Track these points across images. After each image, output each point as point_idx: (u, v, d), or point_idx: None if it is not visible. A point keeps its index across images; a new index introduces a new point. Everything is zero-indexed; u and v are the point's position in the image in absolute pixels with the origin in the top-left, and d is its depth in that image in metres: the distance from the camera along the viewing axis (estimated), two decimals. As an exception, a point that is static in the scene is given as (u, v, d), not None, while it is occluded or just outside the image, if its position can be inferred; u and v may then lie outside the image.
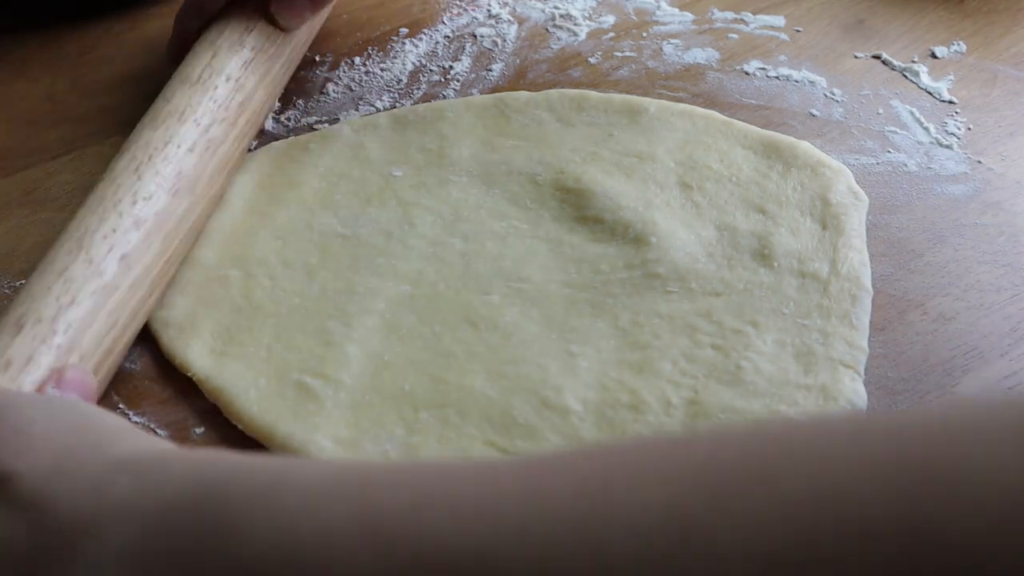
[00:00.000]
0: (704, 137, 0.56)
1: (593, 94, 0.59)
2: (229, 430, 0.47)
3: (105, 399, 0.48)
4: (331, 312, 0.49)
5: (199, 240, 0.52)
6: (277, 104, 0.62)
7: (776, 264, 0.50)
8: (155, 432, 0.47)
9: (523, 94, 0.59)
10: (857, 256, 0.51)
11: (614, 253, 0.51)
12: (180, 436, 0.47)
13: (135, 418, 0.47)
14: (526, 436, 0.44)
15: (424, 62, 0.65)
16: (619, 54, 0.65)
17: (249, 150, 0.58)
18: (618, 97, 0.59)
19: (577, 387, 0.46)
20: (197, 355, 0.48)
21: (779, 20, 0.66)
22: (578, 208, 0.53)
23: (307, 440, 0.44)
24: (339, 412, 0.45)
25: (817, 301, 0.49)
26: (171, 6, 0.69)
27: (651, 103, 0.58)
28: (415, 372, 0.47)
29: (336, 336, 0.48)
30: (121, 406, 0.48)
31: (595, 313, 0.49)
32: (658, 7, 0.68)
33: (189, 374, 0.48)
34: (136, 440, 0.35)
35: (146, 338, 0.50)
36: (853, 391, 0.46)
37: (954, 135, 0.58)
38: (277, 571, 0.26)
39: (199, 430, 0.47)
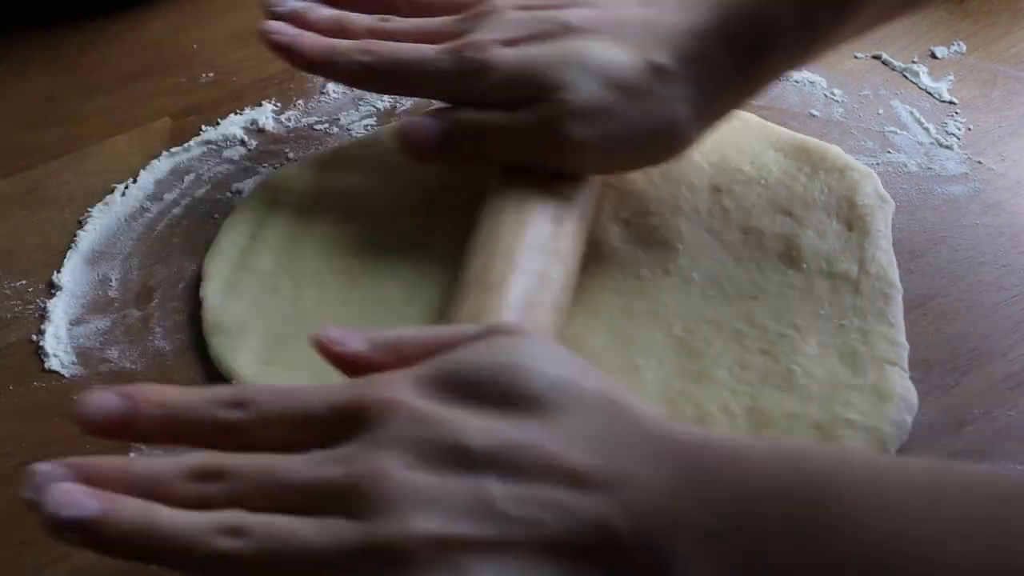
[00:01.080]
0: (739, 138, 0.56)
1: None
2: (230, 430, 0.47)
3: (106, 399, 0.48)
4: (372, 322, 0.48)
5: (258, 248, 0.52)
6: (277, 104, 0.62)
7: (805, 266, 0.51)
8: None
9: None
10: (884, 256, 0.51)
11: (646, 257, 0.51)
12: (181, 436, 0.47)
13: (136, 418, 0.47)
14: None
15: (424, 62, 0.65)
16: (619, 54, 0.64)
17: (286, 159, 0.58)
18: None
19: (646, 401, 0.45)
20: (244, 363, 0.48)
21: (779, 20, 0.66)
22: (614, 208, 0.53)
23: None
24: None
25: (851, 301, 0.49)
26: (171, 6, 0.69)
27: None
28: None
29: None
30: (122, 406, 0.48)
31: (653, 324, 0.49)
32: (658, 7, 0.68)
33: (233, 380, 0.47)
34: (656, 418, 0.35)
35: (147, 342, 0.50)
36: (904, 388, 0.46)
37: (954, 135, 0.58)
38: None
39: (200, 430, 0.47)
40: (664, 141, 0.49)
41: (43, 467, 0.34)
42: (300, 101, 0.62)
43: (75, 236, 0.55)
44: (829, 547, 0.29)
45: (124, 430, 0.36)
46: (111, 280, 0.53)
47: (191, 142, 0.60)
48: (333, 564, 0.32)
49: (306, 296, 0.50)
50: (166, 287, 0.53)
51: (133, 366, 0.49)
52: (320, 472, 0.34)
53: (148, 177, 0.58)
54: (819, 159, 0.55)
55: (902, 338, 0.48)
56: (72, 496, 0.33)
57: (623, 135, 0.48)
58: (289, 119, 0.61)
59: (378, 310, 0.49)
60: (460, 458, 0.33)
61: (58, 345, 0.50)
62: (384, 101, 0.62)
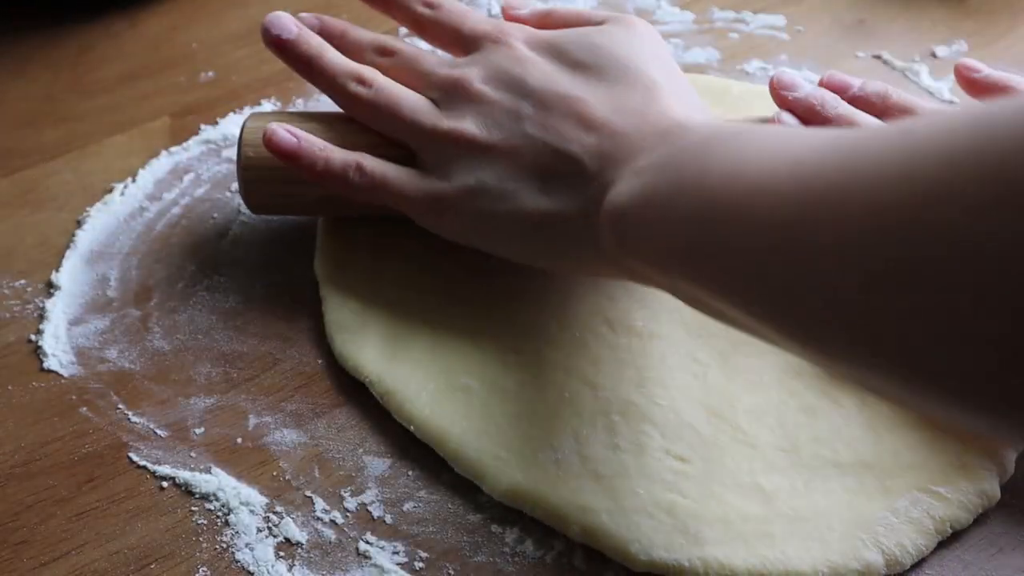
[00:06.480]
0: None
1: None
2: (229, 431, 0.47)
3: (104, 399, 0.48)
4: (479, 315, 0.50)
5: (359, 246, 0.53)
6: (277, 103, 0.62)
7: None
8: (155, 432, 0.47)
9: None
10: None
11: None
12: (180, 436, 0.47)
13: (135, 418, 0.47)
14: (702, 444, 0.45)
15: (424, 62, 0.65)
16: (619, 54, 0.64)
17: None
18: (701, 78, 0.60)
19: (737, 393, 0.47)
20: (369, 359, 0.48)
21: (780, 20, 0.66)
22: None
23: (480, 449, 0.45)
24: (508, 422, 0.46)
25: None
26: (171, 6, 0.69)
27: (733, 84, 0.59)
28: (570, 379, 0.47)
29: (490, 341, 0.48)
30: (121, 406, 0.48)
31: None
32: (658, 7, 0.68)
33: (361, 377, 0.48)
34: (672, 108, 0.45)
35: (146, 342, 0.50)
36: None
37: (955, 135, 0.58)
38: (729, 192, 0.35)
39: (199, 430, 0.47)
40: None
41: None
42: (299, 100, 0.62)
43: (74, 236, 0.55)
44: (702, 182, 0.37)
45: (309, 34, 0.52)
46: (110, 280, 0.53)
47: (190, 141, 0.60)
48: (407, 125, 0.48)
49: (414, 290, 0.51)
50: (165, 287, 0.53)
51: (132, 366, 0.49)
52: (438, 69, 0.49)
53: (147, 177, 0.58)
54: None
55: None
56: (284, 22, 0.51)
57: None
58: (289, 119, 0.61)
59: (482, 302, 0.50)
60: (519, 87, 0.47)
61: (57, 345, 0.50)
62: (384, 101, 0.62)
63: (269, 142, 0.49)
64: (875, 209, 0.29)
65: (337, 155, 0.49)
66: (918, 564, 0.43)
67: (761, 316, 0.35)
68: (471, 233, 0.47)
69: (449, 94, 0.48)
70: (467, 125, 0.47)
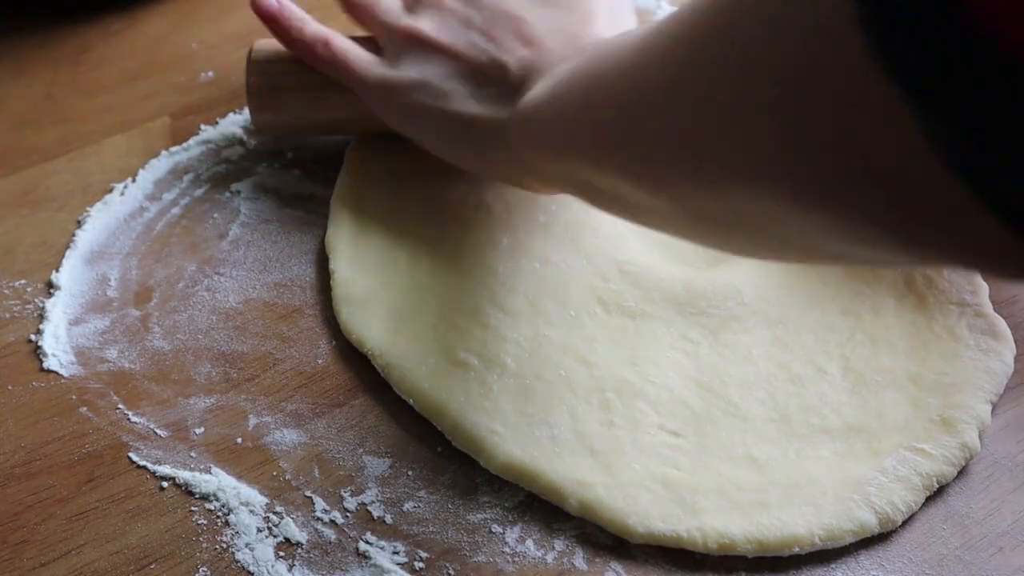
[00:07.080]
0: None
1: None
2: (229, 431, 0.47)
3: (104, 399, 0.48)
4: (481, 292, 0.51)
5: (369, 221, 0.54)
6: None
7: None
8: (155, 432, 0.47)
9: None
10: None
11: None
12: (180, 436, 0.47)
13: (135, 418, 0.47)
14: (694, 419, 0.46)
15: (424, 62, 0.65)
16: (619, 54, 0.64)
17: (285, 159, 0.58)
18: None
19: (728, 368, 0.48)
20: (372, 332, 0.49)
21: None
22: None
23: (478, 423, 0.46)
24: (505, 397, 0.47)
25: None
26: (171, 6, 0.69)
27: None
28: (567, 358, 0.48)
29: (491, 318, 0.50)
30: (121, 406, 0.48)
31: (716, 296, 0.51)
32: (659, 7, 0.68)
33: (364, 350, 0.49)
34: (609, 31, 0.49)
35: (145, 342, 0.50)
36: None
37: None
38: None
39: (199, 430, 0.47)
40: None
41: None
42: (300, 101, 0.62)
43: (74, 236, 0.55)
44: (581, 78, 0.43)
45: None
46: (110, 280, 0.53)
47: (190, 142, 0.60)
48: (378, 21, 0.55)
49: (421, 266, 0.52)
50: (165, 287, 0.53)
51: (132, 366, 0.49)
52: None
53: (147, 177, 0.58)
54: None
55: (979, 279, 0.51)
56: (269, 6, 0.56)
57: None
58: (289, 119, 0.61)
59: (486, 279, 0.51)
60: (475, 1, 0.52)
61: (57, 345, 0.50)
62: (384, 101, 0.62)
63: (254, 3, 0.55)
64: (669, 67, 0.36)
65: (310, 27, 0.55)
66: (919, 561, 0.43)
67: (633, 174, 0.40)
68: (408, 123, 0.53)
69: (417, 1, 0.54)
70: (423, 24, 0.52)
